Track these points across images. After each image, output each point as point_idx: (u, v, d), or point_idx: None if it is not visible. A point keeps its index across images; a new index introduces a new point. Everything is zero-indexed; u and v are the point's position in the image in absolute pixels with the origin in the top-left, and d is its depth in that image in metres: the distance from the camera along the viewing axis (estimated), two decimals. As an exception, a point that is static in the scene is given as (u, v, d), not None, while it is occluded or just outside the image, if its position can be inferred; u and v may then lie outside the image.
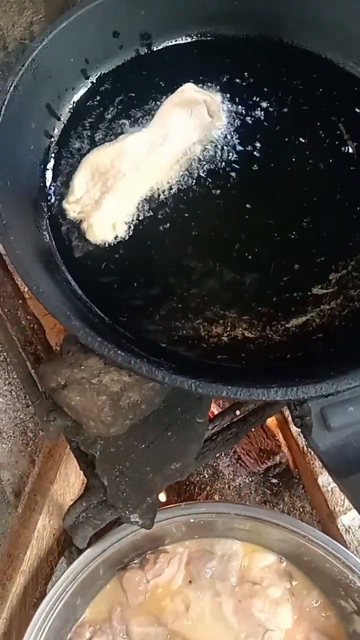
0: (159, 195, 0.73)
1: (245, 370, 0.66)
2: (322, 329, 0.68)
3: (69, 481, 0.84)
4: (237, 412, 0.73)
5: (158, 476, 0.65)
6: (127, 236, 0.71)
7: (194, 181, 0.74)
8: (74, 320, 0.58)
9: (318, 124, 0.79)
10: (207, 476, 0.96)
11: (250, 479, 0.96)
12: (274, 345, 0.68)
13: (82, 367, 0.64)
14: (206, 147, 0.75)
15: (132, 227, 0.72)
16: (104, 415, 0.63)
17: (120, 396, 0.64)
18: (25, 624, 0.75)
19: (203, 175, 0.74)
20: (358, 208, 0.74)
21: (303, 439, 0.72)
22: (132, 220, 0.72)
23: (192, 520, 0.76)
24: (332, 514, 0.80)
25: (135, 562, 0.82)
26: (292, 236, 0.72)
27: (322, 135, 0.79)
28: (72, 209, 0.73)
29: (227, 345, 0.67)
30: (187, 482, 0.96)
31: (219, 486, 0.95)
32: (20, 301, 0.79)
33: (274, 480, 0.96)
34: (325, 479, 0.82)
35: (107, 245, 0.71)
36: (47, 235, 0.71)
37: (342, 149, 0.78)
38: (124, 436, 0.67)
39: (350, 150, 0.79)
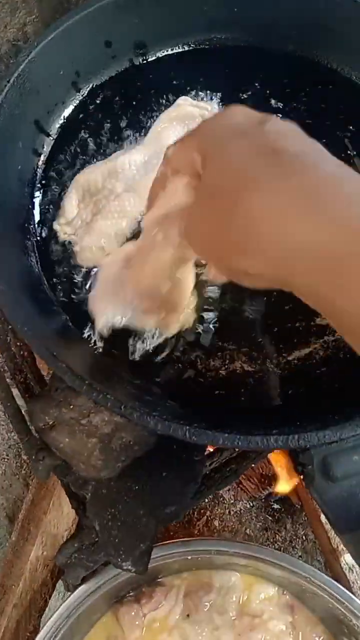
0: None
1: (245, 410, 0.62)
2: (326, 362, 0.65)
3: (63, 511, 0.81)
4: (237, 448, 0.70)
5: (152, 520, 0.62)
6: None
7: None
8: (60, 361, 0.55)
9: (323, 139, 0.74)
10: (207, 501, 0.93)
11: (252, 504, 0.94)
12: (275, 380, 0.64)
13: (71, 407, 0.60)
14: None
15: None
16: (94, 459, 0.60)
17: (111, 438, 0.60)
18: (18, 659, 0.73)
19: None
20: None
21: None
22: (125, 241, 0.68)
23: (189, 558, 0.73)
24: (335, 551, 0.77)
25: (131, 594, 0.80)
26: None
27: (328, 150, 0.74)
28: (63, 230, 0.69)
29: (225, 379, 0.64)
30: (186, 507, 0.93)
31: (219, 511, 0.92)
32: (10, 326, 0.75)
33: (275, 506, 0.93)
34: (328, 515, 0.78)
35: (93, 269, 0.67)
36: (34, 262, 0.67)
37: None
38: (117, 477, 0.64)
39: (358, 167, 0.74)
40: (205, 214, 0.44)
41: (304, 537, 0.90)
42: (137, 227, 0.68)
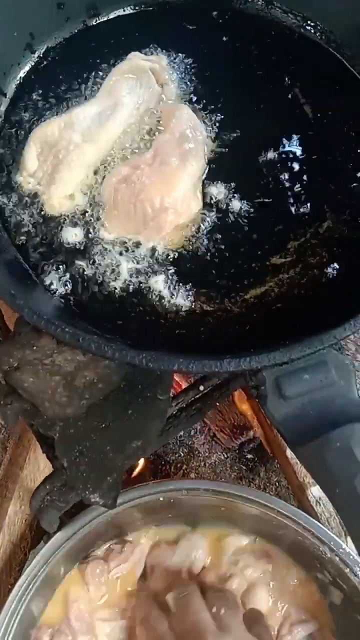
0: (113, 163, 0.71)
1: (204, 345, 0.64)
2: (281, 299, 0.67)
3: (39, 466, 0.83)
4: (201, 388, 0.72)
5: (119, 455, 0.64)
6: (85, 208, 0.69)
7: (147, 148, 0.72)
8: (19, 299, 0.57)
9: (273, 87, 0.77)
10: (182, 455, 0.95)
11: (226, 456, 0.96)
12: (233, 317, 0.66)
13: (35, 348, 0.62)
14: (156, 115, 0.73)
15: (90, 198, 0.70)
16: (58, 396, 0.62)
17: (75, 376, 0.63)
18: (0, 610, 0.75)
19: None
20: (316, 176, 0.72)
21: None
22: (90, 190, 0.70)
23: (161, 499, 0.75)
24: (301, 485, 0.79)
25: (97, 552, 0.81)
26: (249, 206, 0.70)
27: (279, 101, 0.77)
28: (26, 181, 0.71)
29: (185, 319, 0.66)
30: (163, 462, 0.95)
31: (194, 464, 0.95)
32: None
33: (249, 456, 0.96)
34: (294, 451, 0.81)
35: (63, 218, 0.69)
36: (-3, 218, 0.69)
37: (298, 112, 0.76)
38: (84, 417, 0.65)
39: (309, 115, 0.77)
40: None
41: (277, 483, 0.93)
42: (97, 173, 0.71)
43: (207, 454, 0.95)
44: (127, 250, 0.68)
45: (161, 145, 0.69)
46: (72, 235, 0.68)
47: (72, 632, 0.76)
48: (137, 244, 0.68)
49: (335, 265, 0.68)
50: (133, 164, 0.69)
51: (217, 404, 0.73)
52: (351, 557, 0.70)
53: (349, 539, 0.72)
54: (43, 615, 0.78)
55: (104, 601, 0.79)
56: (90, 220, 0.69)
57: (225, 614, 0.67)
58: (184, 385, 0.87)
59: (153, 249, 0.68)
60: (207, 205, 0.70)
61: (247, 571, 0.80)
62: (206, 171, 0.72)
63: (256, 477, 0.94)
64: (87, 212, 0.69)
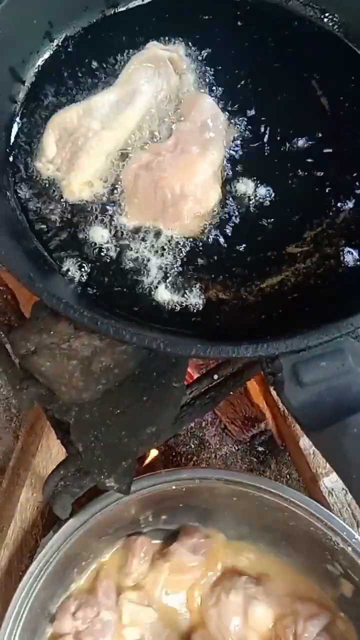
0: (132, 150, 0.72)
1: (220, 332, 0.64)
2: (297, 288, 0.67)
3: (51, 454, 0.83)
4: (215, 377, 0.72)
5: (133, 441, 0.64)
6: (105, 195, 0.69)
7: (166, 138, 0.72)
8: (38, 282, 0.57)
9: (290, 80, 0.77)
10: (193, 446, 0.96)
11: (237, 448, 0.96)
12: (248, 306, 0.66)
13: (52, 333, 0.63)
14: (174, 104, 0.73)
15: (109, 185, 0.70)
16: (75, 380, 0.62)
17: (91, 361, 0.63)
18: (12, 597, 0.75)
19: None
20: (332, 167, 0.72)
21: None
22: (109, 177, 0.70)
23: (174, 487, 0.75)
24: (314, 476, 0.79)
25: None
26: (266, 195, 0.70)
27: (296, 92, 0.77)
28: (46, 167, 0.71)
29: (201, 308, 0.66)
30: (174, 453, 0.96)
31: (205, 456, 0.95)
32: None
33: (260, 448, 0.96)
34: (306, 442, 0.80)
35: (82, 205, 0.69)
36: (13, 201, 0.69)
37: (315, 103, 0.76)
38: (99, 402, 0.66)
39: (326, 107, 0.77)
40: None
41: (288, 475, 0.93)
42: (116, 160, 0.71)
43: (217, 446, 0.96)
44: (145, 238, 0.68)
45: (182, 134, 0.69)
46: (91, 223, 0.68)
47: (98, 605, 0.78)
48: (157, 232, 0.68)
49: (352, 254, 0.68)
50: (154, 150, 0.69)
51: (231, 392, 0.73)
52: (364, 545, 0.70)
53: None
54: (73, 587, 0.81)
55: (135, 583, 0.81)
56: (110, 206, 0.69)
57: None
58: (196, 376, 0.87)
59: (171, 237, 0.68)
60: (225, 193, 0.70)
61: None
62: (225, 160, 0.72)
63: (267, 469, 0.94)
64: (106, 198, 0.69)
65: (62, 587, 0.81)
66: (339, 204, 0.70)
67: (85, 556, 0.81)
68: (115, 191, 0.70)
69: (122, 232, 0.68)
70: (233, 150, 0.72)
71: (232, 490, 0.76)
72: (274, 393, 0.85)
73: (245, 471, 0.93)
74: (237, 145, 0.73)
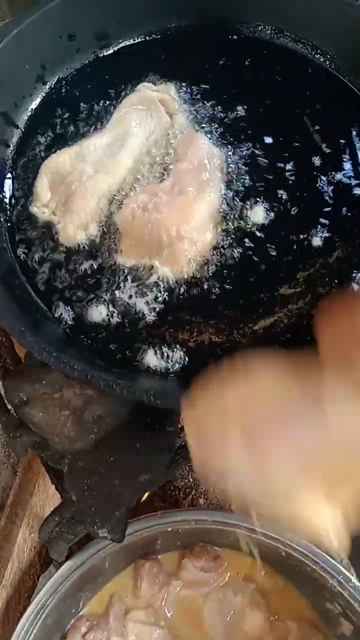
0: (126, 193, 0.72)
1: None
2: (290, 330, 0.67)
3: (48, 493, 0.83)
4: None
5: (127, 489, 0.64)
6: (100, 237, 0.70)
7: (159, 179, 0.72)
8: (29, 336, 0.57)
9: (282, 117, 0.77)
10: (191, 480, 0.95)
11: (235, 482, 0.95)
12: (242, 349, 0.66)
13: (44, 382, 0.63)
14: (165, 145, 0.73)
15: (103, 227, 0.70)
16: (67, 430, 0.62)
17: (83, 410, 0.63)
18: (10, 639, 0.75)
19: (166, 173, 0.73)
20: (324, 207, 0.72)
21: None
22: (103, 220, 0.71)
23: (169, 530, 0.74)
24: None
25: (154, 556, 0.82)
26: (258, 235, 0.70)
27: (288, 129, 0.77)
28: (41, 211, 0.72)
29: (193, 351, 0.66)
30: (172, 487, 0.95)
31: (203, 489, 0.94)
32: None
33: (259, 482, 0.95)
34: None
35: (77, 247, 0.69)
36: (7, 247, 0.70)
37: (308, 140, 0.75)
38: (92, 449, 0.66)
39: (318, 143, 0.77)
40: None
41: (286, 510, 0.91)
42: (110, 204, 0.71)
43: (216, 480, 0.95)
44: (139, 281, 0.68)
45: (179, 174, 0.69)
46: (86, 266, 0.68)
47: (108, 630, 0.79)
48: (150, 273, 0.68)
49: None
50: (151, 191, 0.69)
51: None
52: (360, 591, 0.70)
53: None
54: (86, 607, 0.82)
55: (143, 602, 0.81)
56: (105, 249, 0.69)
57: None
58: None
59: (164, 279, 0.68)
60: (220, 234, 0.70)
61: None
62: (221, 200, 0.72)
63: (265, 503, 0.93)
64: (101, 241, 0.70)
65: (68, 616, 0.81)
66: (332, 244, 0.70)
67: (90, 588, 0.81)
68: (110, 233, 0.70)
69: (115, 276, 0.68)
70: (229, 189, 0.72)
71: (229, 531, 0.75)
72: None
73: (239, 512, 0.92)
74: (232, 184, 0.73)
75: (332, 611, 0.77)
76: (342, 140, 0.76)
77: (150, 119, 0.74)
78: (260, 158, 0.74)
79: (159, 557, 0.82)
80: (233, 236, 0.70)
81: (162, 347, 0.65)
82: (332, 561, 0.70)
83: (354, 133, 0.76)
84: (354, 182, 0.73)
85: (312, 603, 0.79)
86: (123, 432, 0.66)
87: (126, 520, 0.64)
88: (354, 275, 0.69)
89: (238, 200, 0.72)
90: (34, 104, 0.77)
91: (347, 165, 0.75)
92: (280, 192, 0.72)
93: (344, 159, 0.75)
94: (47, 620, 0.75)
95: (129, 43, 0.81)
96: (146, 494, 0.91)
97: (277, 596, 0.81)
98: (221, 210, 0.71)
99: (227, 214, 0.71)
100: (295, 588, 0.80)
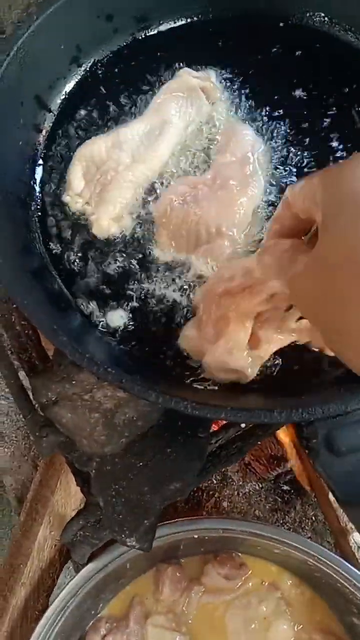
0: (163, 184, 0.68)
1: (253, 388, 0.61)
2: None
3: (70, 491, 0.81)
4: (243, 425, 0.69)
5: (157, 497, 0.62)
6: (134, 230, 0.67)
7: (199, 172, 0.69)
8: (62, 335, 0.55)
9: (329, 110, 0.73)
10: (215, 482, 0.93)
11: (261, 486, 0.92)
12: (281, 356, 0.63)
13: (74, 382, 0.60)
14: (208, 135, 0.70)
15: (138, 219, 0.67)
16: (97, 434, 0.59)
17: (114, 413, 0.60)
18: (27, 637, 0.73)
19: (207, 165, 0.69)
20: None
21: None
22: (138, 212, 0.67)
23: (195, 537, 0.72)
24: (343, 530, 0.75)
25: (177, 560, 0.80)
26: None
27: (335, 123, 0.72)
28: (74, 201, 0.68)
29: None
30: (196, 489, 0.93)
31: (227, 492, 0.92)
32: (15, 305, 0.75)
33: (285, 487, 0.92)
34: (337, 494, 0.77)
35: (111, 240, 0.66)
36: (37, 237, 0.67)
37: (357, 137, 0.71)
38: (121, 453, 0.63)
39: None
40: (321, 285, 0.42)
41: (313, 517, 0.89)
42: (146, 195, 0.68)
43: (241, 483, 0.93)
44: (175, 277, 0.65)
45: (221, 167, 0.66)
46: (120, 260, 0.65)
47: (128, 634, 0.77)
48: (187, 269, 0.65)
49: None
50: (191, 183, 0.66)
51: (259, 442, 0.70)
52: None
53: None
54: (106, 609, 0.80)
55: (164, 607, 0.79)
56: (140, 242, 0.66)
57: None
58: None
59: (200, 276, 0.65)
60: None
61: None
62: (264, 196, 0.68)
63: (292, 510, 0.91)
64: (136, 234, 0.67)
65: (88, 617, 0.79)
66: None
67: (111, 589, 0.79)
68: (146, 226, 0.67)
69: (151, 272, 0.65)
70: (272, 185, 0.68)
71: (256, 541, 0.73)
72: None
73: (268, 512, 0.90)
74: (275, 179, 0.69)
75: (358, 626, 0.74)
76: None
77: (191, 107, 0.70)
78: (304, 152, 0.70)
79: (182, 561, 0.80)
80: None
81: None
82: (363, 577, 0.68)
83: None
84: None
85: (339, 616, 0.77)
86: (154, 437, 0.63)
87: (155, 528, 0.61)
88: None
89: (280, 196, 0.68)
90: (68, 87, 0.74)
91: None
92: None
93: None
94: (67, 621, 0.73)
95: (170, 26, 0.76)
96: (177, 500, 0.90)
97: (303, 607, 0.78)
98: (264, 206, 0.67)
99: (269, 210, 0.67)
100: (321, 600, 0.77)
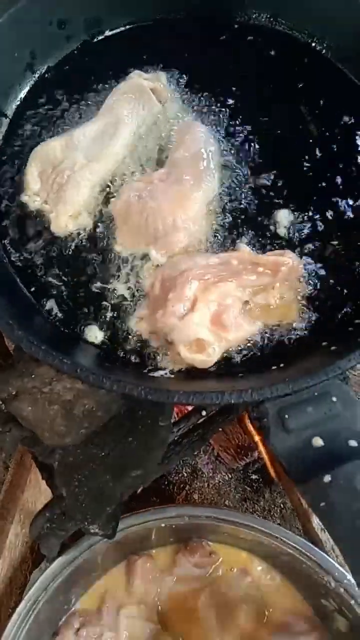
0: (119, 182, 0.70)
1: (203, 373, 0.63)
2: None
3: (40, 488, 0.82)
4: (203, 413, 0.71)
5: (118, 485, 0.63)
6: (91, 226, 0.68)
7: (154, 168, 0.71)
8: (16, 329, 0.56)
9: (277, 106, 0.75)
10: (186, 475, 0.94)
11: (230, 476, 0.94)
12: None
13: (33, 376, 0.61)
14: (159, 134, 0.72)
15: (95, 216, 0.69)
16: (57, 425, 0.61)
17: (73, 405, 0.61)
18: (1, 634, 0.74)
19: (162, 160, 0.71)
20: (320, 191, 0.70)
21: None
22: (96, 210, 0.69)
23: (163, 525, 0.73)
24: (306, 512, 0.77)
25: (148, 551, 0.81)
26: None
27: (283, 118, 0.75)
28: (32, 200, 0.70)
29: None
30: (166, 482, 0.94)
31: (198, 485, 0.93)
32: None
33: (253, 477, 0.94)
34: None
35: (69, 237, 0.68)
36: (-5, 239, 0.69)
37: (303, 129, 0.74)
38: (83, 444, 0.64)
39: (314, 133, 0.75)
40: None
41: (282, 505, 0.91)
42: (102, 193, 0.70)
43: (211, 475, 0.94)
44: (134, 269, 0.66)
45: (176, 162, 0.68)
46: (79, 256, 0.67)
47: (101, 626, 0.78)
48: (145, 260, 0.67)
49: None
50: (146, 179, 0.68)
51: (220, 429, 0.71)
52: (356, 588, 0.69)
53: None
54: (79, 603, 0.81)
55: (136, 598, 0.80)
56: (98, 238, 0.68)
57: None
58: (188, 408, 0.85)
59: (158, 266, 0.66)
60: (215, 224, 0.68)
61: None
62: (218, 190, 0.70)
63: (261, 498, 0.93)
64: (94, 230, 0.68)
65: (60, 612, 0.80)
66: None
67: (82, 583, 0.79)
68: (103, 222, 0.69)
69: (110, 262, 0.67)
70: (225, 180, 0.71)
71: (224, 528, 0.74)
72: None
73: (237, 502, 0.92)
74: (228, 175, 0.71)
75: (327, 607, 0.76)
76: (337, 130, 0.75)
77: (142, 108, 0.72)
78: (254, 147, 0.72)
79: (153, 552, 0.81)
80: (228, 227, 0.68)
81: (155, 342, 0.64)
82: (328, 558, 0.70)
83: (349, 121, 0.75)
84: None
85: (307, 599, 0.79)
86: (114, 427, 0.65)
87: (118, 516, 0.63)
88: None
89: (235, 190, 0.70)
90: (22, 93, 0.76)
91: (343, 151, 0.73)
92: (276, 182, 0.71)
93: (340, 147, 0.73)
94: (39, 616, 0.74)
95: (120, 30, 0.79)
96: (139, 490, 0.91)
97: (272, 591, 0.80)
98: (218, 199, 0.69)
99: (223, 203, 0.69)
100: (290, 584, 0.79)
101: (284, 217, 0.68)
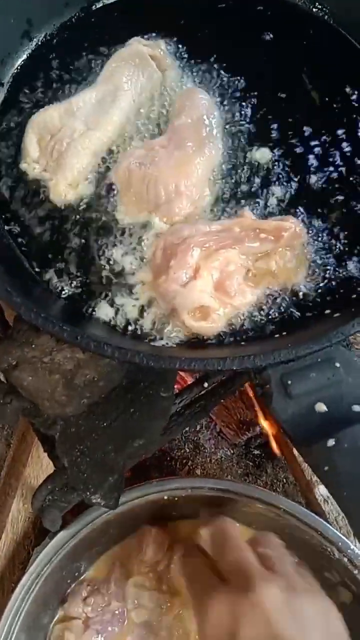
0: (120, 149, 0.69)
1: (206, 340, 0.62)
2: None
3: (42, 464, 0.82)
4: (205, 384, 0.70)
5: (120, 455, 0.63)
6: (91, 194, 0.67)
7: (155, 136, 0.70)
8: (15, 296, 0.55)
9: (278, 74, 0.74)
10: (188, 451, 0.94)
11: (232, 452, 0.94)
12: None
13: (33, 346, 0.61)
14: (160, 102, 0.71)
15: (94, 185, 0.68)
16: (58, 394, 0.60)
17: (74, 374, 0.61)
18: (3, 609, 0.74)
19: (163, 128, 0.70)
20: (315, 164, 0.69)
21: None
22: (94, 178, 0.68)
23: (165, 497, 0.73)
24: (309, 483, 0.77)
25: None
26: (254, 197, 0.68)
27: (285, 86, 0.74)
28: (32, 167, 0.69)
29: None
30: (169, 458, 0.94)
31: (200, 460, 0.93)
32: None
33: (256, 452, 0.94)
34: (301, 449, 0.79)
35: (68, 205, 0.67)
36: (-6, 209, 0.68)
37: (305, 97, 0.73)
38: (85, 415, 0.64)
39: (316, 101, 0.74)
40: None
41: (284, 479, 0.91)
42: (102, 161, 0.69)
43: (213, 450, 0.94)
44: (135, 237, 0.65)
45: (177, 129, 0.67)
46: (79, 224, 0.66)
47: (109, 595, 0.77)
48: (145, 229, 0.66)
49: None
50: (148, 146, 0.67)
51: (222, 400, 0.71)
52: (359, 558, 0.69)
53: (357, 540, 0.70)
54: (89, 571, 0.81)
55: (146, 568, 0.80)
56: (99, 206, 0.67)
57: (274, 555, 0.64)
58: (189, 380, 0.85)
59: (160, 234, 0.65)
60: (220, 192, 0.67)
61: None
62: (220, 158, 0.69)
63: (263, 473, 0.92)
64: (95, 198, 0.67)
65: (68, 583, 0.80)
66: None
67: (91, 553, 0.79)
68: (104, 190, 0.68)
69: (111, 231, 0.66)
70: (228, 146, 0.69)
71: (225, 499, 0.74)
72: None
73: (240, 477, 0.91)
74: (230, 142, 0.70)
75: (330, 580, 0.76)
76: (338, 97, 0.73)
77: (141, 75, 0.71)
78: (257, 115, 0.71)
79: (168, 524, 0.81)
80: (231, 196, 0.67)
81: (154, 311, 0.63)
82: (331, 528, 0.69)
83: (349, 90, 0.73)
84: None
85: (312, 572, 0.78)
86: (116, 398, 0.64)
87: (120, 486, 0.62)
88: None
89: (237, 157, 0.69)
90: (20, 61, 0.75)
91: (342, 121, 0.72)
92: (277, 150, 0.70)
93: (339, 116, 0.72)
94: (42, 589, 0.74)
95: (119, -3, 0.77)
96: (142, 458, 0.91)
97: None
98: (220, 168, 0.68)
99: (226, 171, 0.68)
100: (294, 555, 0.79)
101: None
